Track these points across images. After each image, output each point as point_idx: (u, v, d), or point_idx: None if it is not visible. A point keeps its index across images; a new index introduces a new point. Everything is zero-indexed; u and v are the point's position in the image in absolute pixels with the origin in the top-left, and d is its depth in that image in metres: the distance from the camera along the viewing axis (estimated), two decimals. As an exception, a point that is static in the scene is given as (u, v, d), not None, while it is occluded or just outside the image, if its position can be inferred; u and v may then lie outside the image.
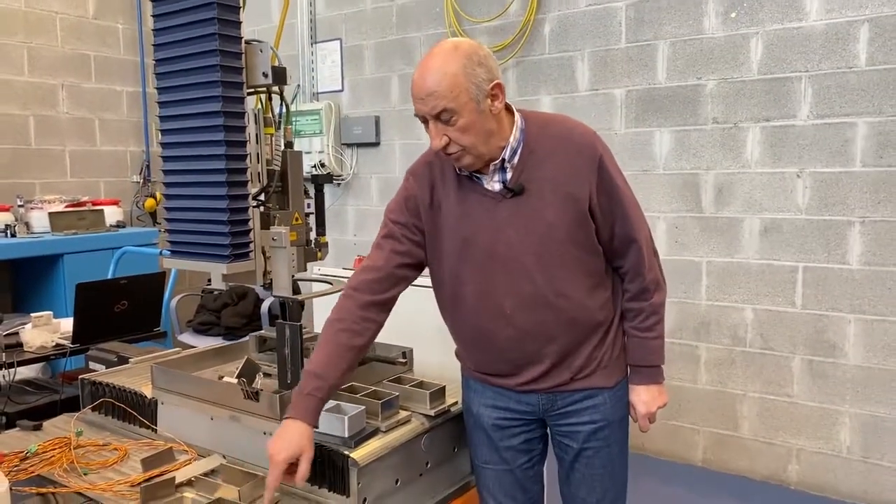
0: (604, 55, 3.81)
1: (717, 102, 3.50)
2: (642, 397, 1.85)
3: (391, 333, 2.20)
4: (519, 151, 1.71)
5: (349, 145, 4.95)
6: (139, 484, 1.67)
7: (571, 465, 1.88)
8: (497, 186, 1.72)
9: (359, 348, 1.74)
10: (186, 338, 4.08)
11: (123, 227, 4.97)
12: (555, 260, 1.72)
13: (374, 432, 1.74)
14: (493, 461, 1.89)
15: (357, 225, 5.03)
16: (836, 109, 3.21)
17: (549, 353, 1.76)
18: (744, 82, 3.42)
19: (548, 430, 1.91)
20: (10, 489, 1.59)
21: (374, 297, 1.74)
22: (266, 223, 2.01)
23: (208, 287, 4.04)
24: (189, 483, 1.72)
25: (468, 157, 1.67)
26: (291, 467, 1.58)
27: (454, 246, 1.77)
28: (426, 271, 1.89)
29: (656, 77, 3.66)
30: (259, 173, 2.02)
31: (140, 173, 5.55)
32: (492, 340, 1.79)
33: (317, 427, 1.66)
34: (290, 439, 1.59)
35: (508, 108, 1.73)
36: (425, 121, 1.66)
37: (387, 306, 1.78)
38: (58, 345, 2.98)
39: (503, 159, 1.70)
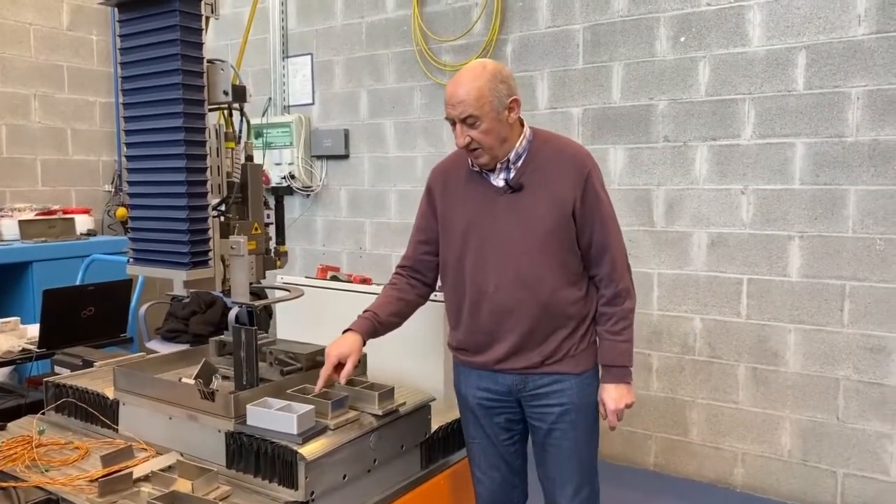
0: (562, 75, 3.98)
1: (667, 122, 3.68)
2: (611, 395, 2.08)
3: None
4: (523, 157, 2.05)
5: (319, 157, 5.05)
6: (98, 479, 1.76)
7: (542, 445, 2.11)
8: (500, 182, 2.06)
9: (405, 301, 2.18)
10: (154, 345, 4.14)
11: (94, 235, 5.01)
12: (537, 249, 2.01)
13: (323, 430, 1.85)
14: (478, 437, 2.19)
15: (325, 235, 5.13)
16: (777, 130, 3.39)
17: (520, 330, 2.03)
18: (692, 103, 3.60)
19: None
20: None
21: (414, 276, 2.23)
22: (226, 232, 2.12)
23: (177, 295, 4.11)
24: (146, 478, 1.81)
25: (485, 155, 2.01)
26: (339, 367, 1.97)
27: (459, 229, 2.09)
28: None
29: (611, 97, 3.83)
30: (220, 185, 2.13)
31: (112, 183, 5.60)
32: (476, 312, 2.07)
33: (367, 339, 2.07)
34: (342, 344, 2.00)
35: (521, 123, 2.07)
36: (453, 123, 1.99)
37: (426, 278, 2.23)
38: (24, 350, 3.03)
39: (508, 160, 2.03)
